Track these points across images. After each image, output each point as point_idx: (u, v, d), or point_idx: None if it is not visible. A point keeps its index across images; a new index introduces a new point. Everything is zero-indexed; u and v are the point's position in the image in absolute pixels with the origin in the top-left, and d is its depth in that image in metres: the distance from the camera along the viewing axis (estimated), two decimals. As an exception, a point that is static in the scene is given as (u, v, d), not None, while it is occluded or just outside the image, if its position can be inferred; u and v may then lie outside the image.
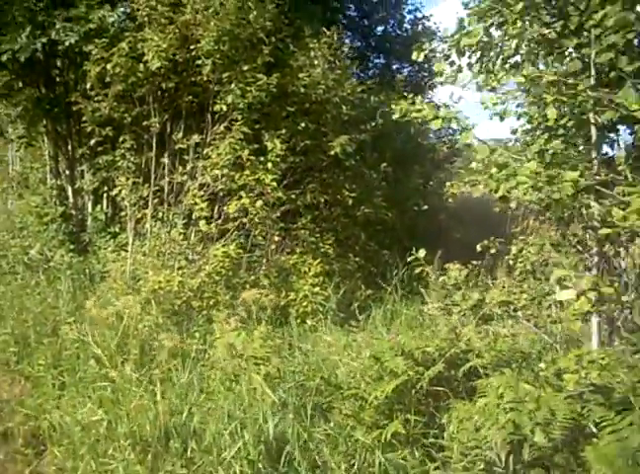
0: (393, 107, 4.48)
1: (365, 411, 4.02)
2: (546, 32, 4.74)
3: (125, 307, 6.66)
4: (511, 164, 4.41)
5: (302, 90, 8.41)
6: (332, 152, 8.47)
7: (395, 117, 4.49)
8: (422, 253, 5.47)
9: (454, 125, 4.66)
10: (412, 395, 4.05)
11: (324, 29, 8.97)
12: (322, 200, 8.94)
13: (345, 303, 7.94)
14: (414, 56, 5.87)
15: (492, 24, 4.98)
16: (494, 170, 4.45)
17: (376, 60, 14.61)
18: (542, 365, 3.91)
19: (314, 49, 8.65)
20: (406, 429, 3.83)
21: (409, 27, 14.64)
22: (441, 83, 5.72)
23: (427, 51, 5.63)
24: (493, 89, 5.36)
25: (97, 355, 5.67)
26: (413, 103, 4.43)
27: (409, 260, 5.53)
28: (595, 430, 3.23)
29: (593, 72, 4.36)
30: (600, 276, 4.50)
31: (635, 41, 4.31)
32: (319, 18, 10.30)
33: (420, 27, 14.59)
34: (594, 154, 4.54)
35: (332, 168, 9.12)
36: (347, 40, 13.93)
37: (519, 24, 4.63)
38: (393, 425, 3.78)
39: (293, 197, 8.61)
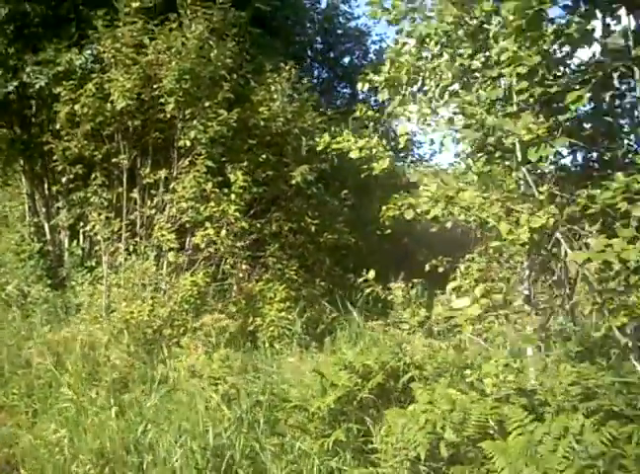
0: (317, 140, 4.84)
1: (313, 422, 4.34)
2: (471, 63, 5.16)
3: (96, 337, 7.02)
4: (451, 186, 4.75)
5: (262, 123, 8.80)
6: (293, 181, 8.84)
7: (318, 148, 4.86)
8: (372, 274, 5.84)
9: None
10: (353, 406, 4.37)
11: (282, 64, 9.35)
12: (287, 229, 9.30)
13: (312, 326, 8.26)
14: (359, 86, 6.32)
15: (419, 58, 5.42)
16: (430, 192, 4.80)
17: (344, 90, 15.00)
18: (467, 372, 4.24)
19: (274, 84, 9.03)
20: (347, 437, 4.15)
21: (374, 57, 15.05)
22: (389, 115, 6.12)
23: (373, 81, 6.10)
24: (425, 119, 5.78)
25: (69, 382, 5.98)
26: (334, 136, 4.80)
27: (360, 281, 5.90)
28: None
29: (515, 99, 4.75)
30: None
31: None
32: (281, 52, 10.67)
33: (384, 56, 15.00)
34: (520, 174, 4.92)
35: (295, 197, 9.48)
36: (315, 72, 14.51)
37: (445, 56, 5.02)
38: (335, 433, 4.10)
39: (259, 226, 8.97)
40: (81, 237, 10.12)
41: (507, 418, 3.50)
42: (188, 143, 8.43)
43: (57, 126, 9.00)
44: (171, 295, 7.97)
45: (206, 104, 8.44)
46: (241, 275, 8.76)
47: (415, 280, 6.52)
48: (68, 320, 8.11)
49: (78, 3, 9.22)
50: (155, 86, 8.41)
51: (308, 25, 14.06)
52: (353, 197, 10.29)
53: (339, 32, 14.65)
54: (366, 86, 6.30)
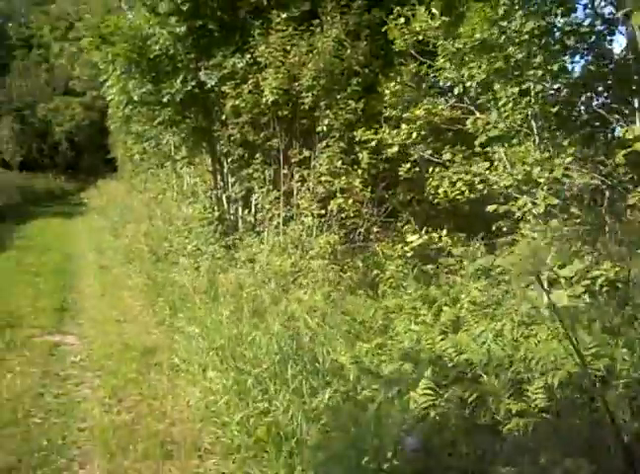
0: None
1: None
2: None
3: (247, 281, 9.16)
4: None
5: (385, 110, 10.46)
6: (412, 159, 10.48)
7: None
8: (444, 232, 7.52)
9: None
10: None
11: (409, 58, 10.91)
12: (412, 198, 10.93)
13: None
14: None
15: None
16: None
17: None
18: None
19: (399, 75, 10.63)
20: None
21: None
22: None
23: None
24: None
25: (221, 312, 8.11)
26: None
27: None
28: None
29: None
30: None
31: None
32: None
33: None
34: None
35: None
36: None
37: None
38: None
39: (386, 196, 10.68)
40: (253, 207, 12.33)
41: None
42: (324, 129, 10.32)
43: (224, 117, 11.26)
44: (309, 251, 9.91)
45: (338, 96, 10.25)
46: (372, 237, 10.51)
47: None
48: (229, 270, 10.26)
49: (241, 16, 11.40)
50: (298, 83, 10.33)
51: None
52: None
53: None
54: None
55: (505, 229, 7.74)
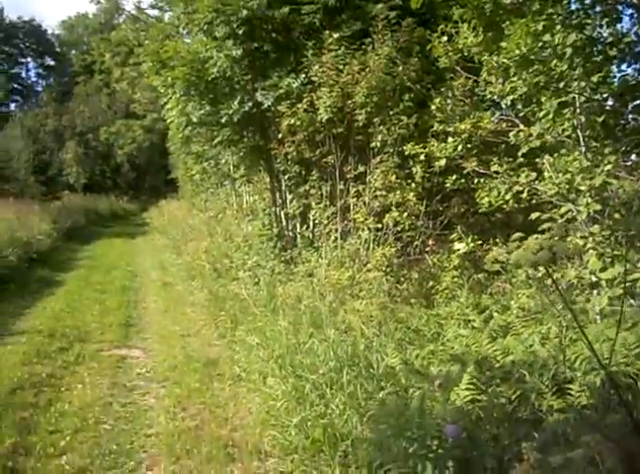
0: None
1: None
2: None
3: (305, 294, 9.41)
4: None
5: (435, 125, 10.63)
6: (464, 171, 10.63)
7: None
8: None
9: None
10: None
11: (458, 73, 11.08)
12: (467, 210, 11.07)
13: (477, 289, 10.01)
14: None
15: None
16: None
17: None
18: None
19: (450, 90, 10.81)
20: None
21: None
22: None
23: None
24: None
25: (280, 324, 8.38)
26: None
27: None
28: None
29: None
30: None
31: None
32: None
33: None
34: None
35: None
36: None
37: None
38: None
39: (441, 209, 10.86)
40: (311, 223, 12.60)
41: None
42: (378, 145, 10.54)
43: (280, 136, 11.59)
44: (366, 264, 10.13)
45: (391, 112, 10.46)
46: (427, 249, 10.69)
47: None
48: (288, 283, 10.53)
49: (294, 37, 11.75)
50: (351, 101, 10.59)
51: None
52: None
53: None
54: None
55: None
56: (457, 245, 6.81)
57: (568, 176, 6.16)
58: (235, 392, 7.30)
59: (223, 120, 11.95)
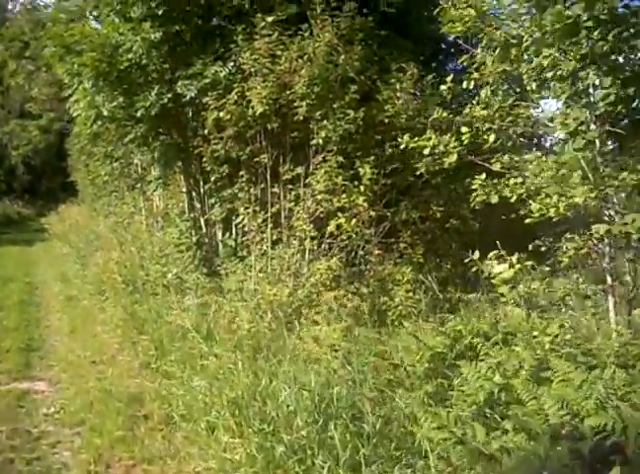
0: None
1: (409, 378, 5.12)
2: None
3: (241, 314, 8.08)
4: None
5: (387, 120, 9.50)
6: (418, 173, 9.53)
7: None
8: (477, 254, 6.55)
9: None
10: (443, 364, 5.11)
11: (406, 63, 9.99)
12: (413, 216, 9.98)
13: (438, 306, 8.93)
14: (464, 85, 7.07)
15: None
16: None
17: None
18: (534, 333, 4.88)
19: (398, 83, 9.71)
20: (436, 389, 4.90)
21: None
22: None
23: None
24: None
25: (217, 353, 7.03)
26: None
27: (466, 261, 6.60)
28: None
29: None
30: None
31: None
32: (411, 51, 11.21)
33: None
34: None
35: (423, 187, 10.14)
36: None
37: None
38: (424, 387, 4.85)
39: (389, 214, 9.71)
40: (233, 230, 11.26)
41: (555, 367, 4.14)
42: (320, 142, 9.30)
43: (206, 132, 10.18)
44: (308, 278, 8.89)
45: (335, 105, 9.26)
46: (373, 259, 9.55)
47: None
48: (218, 301, 9.18)
49: (221, 21, 10.38)
50: (288, 92, 9.32)
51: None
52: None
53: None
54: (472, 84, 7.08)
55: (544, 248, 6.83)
56: (497, 267, 5.32)
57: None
58: (172, 443, 5.85)
59: (138, 115, 10.45)
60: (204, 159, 10.39)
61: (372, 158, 9.30)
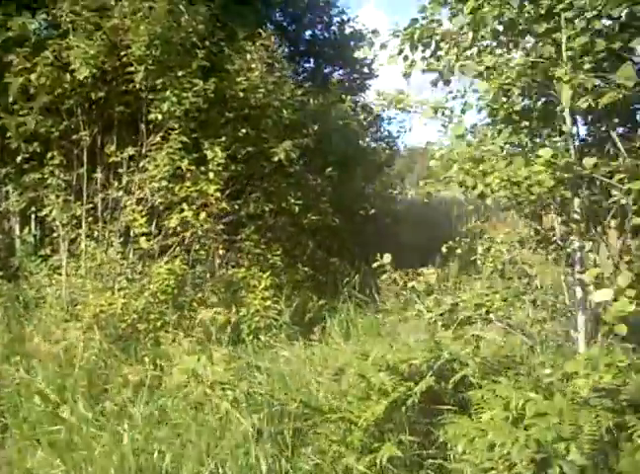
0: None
1: (353, 434, 3.65)
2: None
3: (66, 336, 6.25)
4: (487, 159, 4.23)
5: (241, 94, 8.04)
6: (275, 158, 8.13)
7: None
8: (387, 258, 5.25)
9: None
10: (402, 413, 3.71)
11: (259, 30, 8.60)
12: (266, 209, 8.58)
13: (298, 315, 7.62)
14: (361, 53, 5.77)
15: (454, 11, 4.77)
16: (468, 165, 4.28)
17: (306, 64, 14.22)
18: (547, 371, 3.62)
19: (250, 52, 8.29)
20: (402, 450, 3.49)
21: (336, 30, 14.31)
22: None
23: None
24: (447, 82, 5.21)
25: (41, 390, 5.21)
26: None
27: (375, 266, 5.29)
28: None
29: (564, 57, 4.17)
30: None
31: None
32: (251, 20, 9.87)
33: (347, 29, 14.33)
34: (570, 145, 4.37)
35: (275, 175, 8.76)
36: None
37: (485, 8, 4.36)
38: (387, 447, 3.43)
39: (237, 207, 8.23)
40: (32, 223, 9.24)
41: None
42: (159, 117, 7.64)
43: (10, 100, 8.07)
44: (144, 285, 7.21)
45: (179, 73, 7.64)
46: (218, 261, 8.05)
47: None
48: (29, 316, 7.28)
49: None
50: (122, 54, 7.56)
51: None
52: (335, 176, 9.60)
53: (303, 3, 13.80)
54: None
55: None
56: (598, 296, 3.62)
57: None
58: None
59: None
60: (9, 134, 8.23)
61: (223, 139, 7.76)
